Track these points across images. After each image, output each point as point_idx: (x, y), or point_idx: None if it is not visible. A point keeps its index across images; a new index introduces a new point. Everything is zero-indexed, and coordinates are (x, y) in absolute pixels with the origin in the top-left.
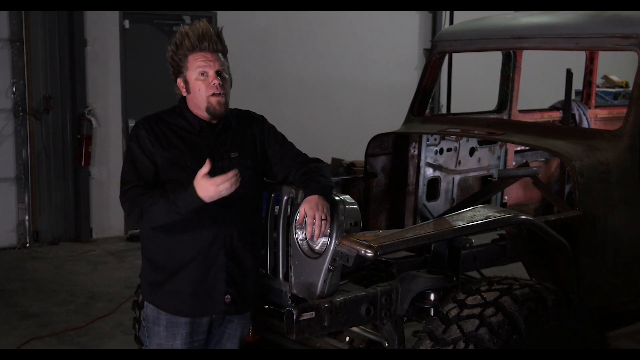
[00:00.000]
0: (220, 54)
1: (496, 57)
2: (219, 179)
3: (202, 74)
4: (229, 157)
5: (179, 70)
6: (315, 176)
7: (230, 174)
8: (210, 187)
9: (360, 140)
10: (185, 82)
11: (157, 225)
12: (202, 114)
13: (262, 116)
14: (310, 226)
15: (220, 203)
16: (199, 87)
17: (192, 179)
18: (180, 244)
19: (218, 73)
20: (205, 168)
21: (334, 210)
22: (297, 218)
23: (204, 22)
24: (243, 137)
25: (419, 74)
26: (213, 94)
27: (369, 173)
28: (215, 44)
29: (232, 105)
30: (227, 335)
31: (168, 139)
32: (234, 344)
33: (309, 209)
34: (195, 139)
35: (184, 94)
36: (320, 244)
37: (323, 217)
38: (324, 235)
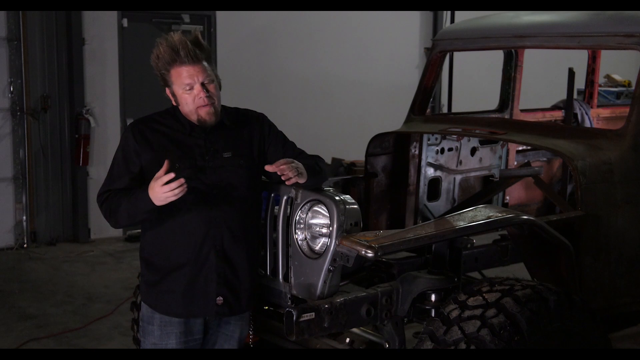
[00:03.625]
0: (202, 62)
1: (498, 56)
2: (166, 186)
3: (188, 87)
4: (222, 157)
5: (165, 82)
6: (310, 163)
7: (175, 184)
8: (158, 190)
9: (360, 140)
10: (173, 94)
11: (150, 225)
12: (194, 121)
13: (262, 114)
14: (281, 164)
15: (210, 203)
16: (186, 100)
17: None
18: (173, 245)
19: (203, 85)
20: (162, 171)
21: (333, 210)
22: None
23: (178, 34)
24: (238, 136)
25: (420, 73)
26: (201, 106)
27: (369, 173)
28: (193, 54)
29: (232, 105)
30: (224, 337)
31: (157, 140)
32: (231, 346)
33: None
34: (186, 139)
35: (174, 104)
36: (320, 244)
37: (297, 169)
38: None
